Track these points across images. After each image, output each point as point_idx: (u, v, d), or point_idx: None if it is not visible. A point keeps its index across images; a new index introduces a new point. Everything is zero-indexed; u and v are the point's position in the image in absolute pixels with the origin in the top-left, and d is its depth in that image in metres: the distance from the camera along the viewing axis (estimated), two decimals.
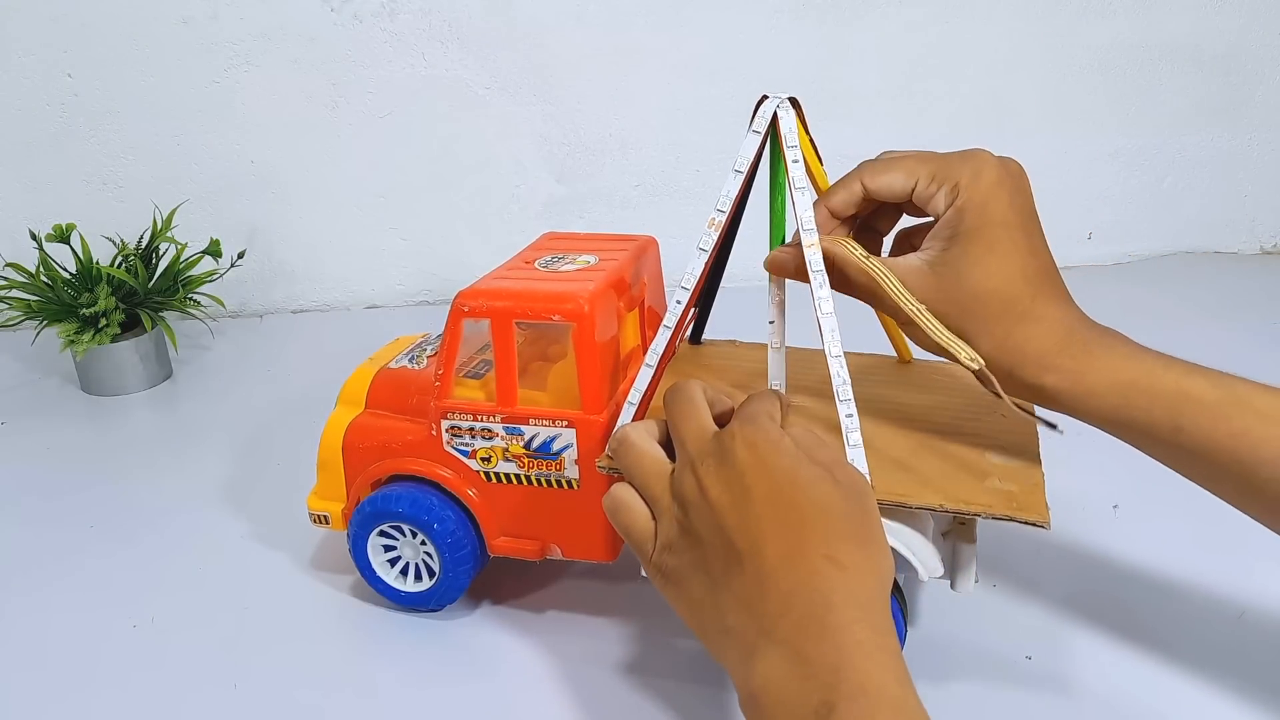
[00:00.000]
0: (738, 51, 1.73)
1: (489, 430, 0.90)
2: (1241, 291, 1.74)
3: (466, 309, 0.88)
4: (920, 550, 0.82)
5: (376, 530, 0.94)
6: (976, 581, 0.87)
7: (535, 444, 0.89)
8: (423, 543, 0.93)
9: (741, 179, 0.81)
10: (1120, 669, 0.89)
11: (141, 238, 1.57)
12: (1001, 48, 1.74)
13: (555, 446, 0.89)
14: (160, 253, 1.58)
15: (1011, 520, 0.76)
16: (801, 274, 0.79)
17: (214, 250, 1.58)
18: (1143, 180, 1.86)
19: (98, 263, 1.52)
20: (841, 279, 0.81)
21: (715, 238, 0.82)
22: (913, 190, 0.80)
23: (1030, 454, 0.84)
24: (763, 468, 0.69)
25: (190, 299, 1.57)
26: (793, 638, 0.62)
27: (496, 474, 0.91)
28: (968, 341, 0.78)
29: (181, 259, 1.57)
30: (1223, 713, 0.84)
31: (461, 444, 0.91)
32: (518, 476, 0.91)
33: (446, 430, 0.91)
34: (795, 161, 0.80)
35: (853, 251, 0.80)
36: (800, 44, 1.72)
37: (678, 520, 0.72)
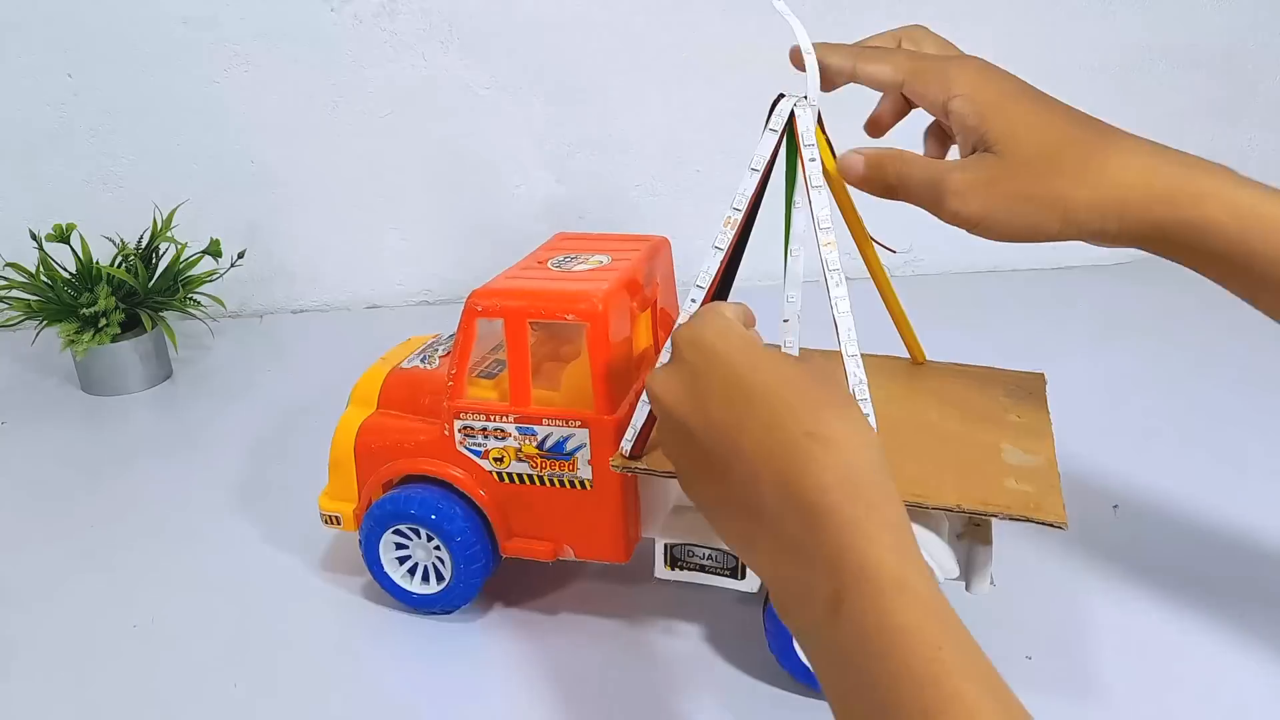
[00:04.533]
0: (739, 51, 1.73)
1: (502, 430, 0.90)
2: None
3: (480, 308, 0.88)
4: (936, 551, 0.82)
5: (390, 530, 0.94)
6: (992, 584, 0.87)
7: (548, 444, 0.89)
8: (436, 546, 0.93)
9: (758, 177, 0.81)
10: (1120, 669, 0.89)
11: (141, 237, 1.57)
12: (1001, 47, 1.72)
13: (569, 447, 0.89)
14: (160, 252, 1.58)
15: (1029, 521, 0.76)
16: (870, 184, 0.82)
17: (214, 250, 1.57)
18: None
19: (98, 263, 1.51)
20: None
21: (731, 236, 0.82)
22: (901, 84, 0.83)
23: (1046, 454, 0.84)
24: (713, 361, 0.66)
25: (190, 299, 1.56)
26: (794, 532, 0.59)
27: (509, 474, 0.91)
28: (1071, 201, 0.75)
29: (181, 259, 1.57)
30: (1226, 713, 0.85)
31: (474, 444, 0.91)
32: (530, 477, 0.91)
33: (459, 430, 0.91)
34: (812, 160, 0.80)
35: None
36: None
37: (660, 430, 0.72)
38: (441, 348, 1.02)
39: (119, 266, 1.51)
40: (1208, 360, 1.48)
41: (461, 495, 0.93)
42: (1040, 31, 1.74)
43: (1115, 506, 1.12)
